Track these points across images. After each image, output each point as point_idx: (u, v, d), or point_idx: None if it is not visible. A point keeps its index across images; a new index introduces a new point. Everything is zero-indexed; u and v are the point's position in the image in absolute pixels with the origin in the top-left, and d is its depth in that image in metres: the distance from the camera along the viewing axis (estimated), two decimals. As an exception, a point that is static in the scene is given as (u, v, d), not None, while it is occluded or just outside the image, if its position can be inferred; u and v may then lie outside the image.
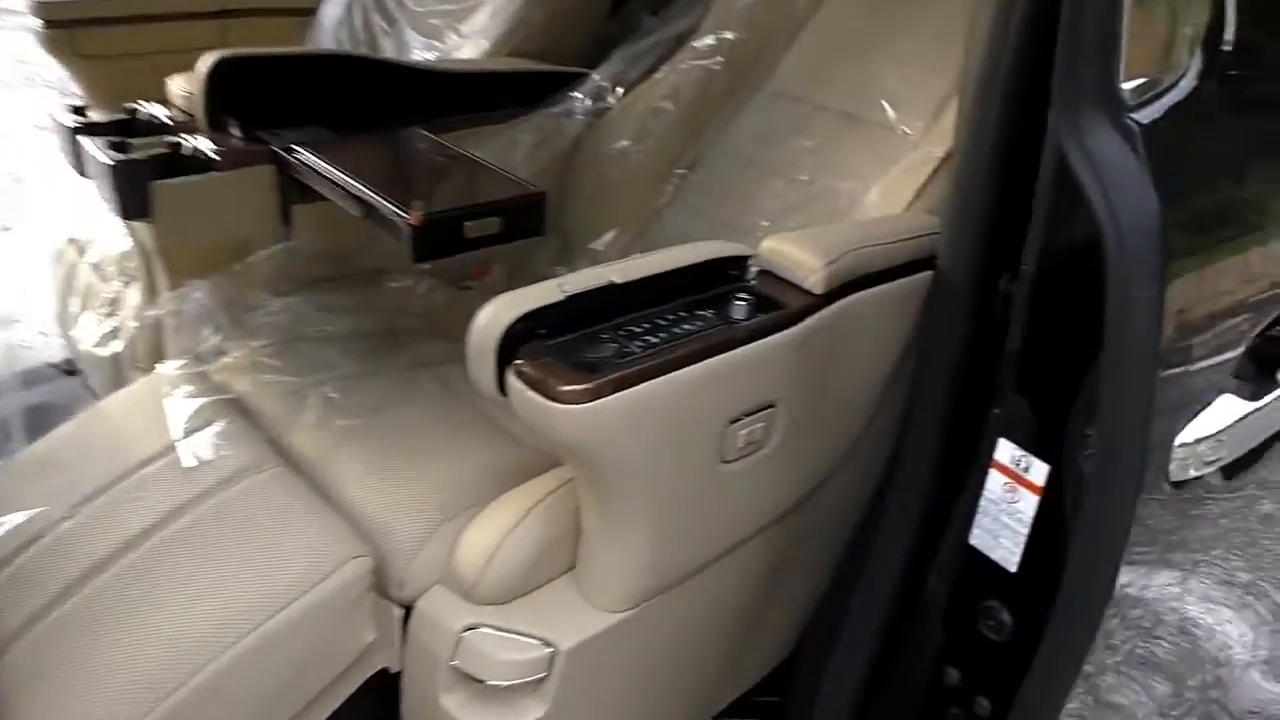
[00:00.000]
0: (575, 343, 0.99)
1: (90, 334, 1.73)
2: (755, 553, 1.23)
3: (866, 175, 1.50)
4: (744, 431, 1.09)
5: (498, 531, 1.10)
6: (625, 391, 0.95)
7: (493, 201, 1.27)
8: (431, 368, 1.45)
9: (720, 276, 1.15)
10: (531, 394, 0.94)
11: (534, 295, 1.00)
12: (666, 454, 1.03)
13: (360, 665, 1.13)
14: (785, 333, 1.08)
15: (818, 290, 1.11)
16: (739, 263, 1.16)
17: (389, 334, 1.53)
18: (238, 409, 1.33)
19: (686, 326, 1.04)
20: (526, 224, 1.29)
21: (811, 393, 1.16)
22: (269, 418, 1.33)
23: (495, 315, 0.98)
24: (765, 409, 1.10)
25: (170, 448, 1.24)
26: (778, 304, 1.10)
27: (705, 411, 1.04)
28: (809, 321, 1.10)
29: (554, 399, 0.93)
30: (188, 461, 1.21)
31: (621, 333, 1.01)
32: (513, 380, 0.96)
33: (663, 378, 0.97)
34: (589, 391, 0.93)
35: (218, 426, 1.27)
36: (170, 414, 1.29)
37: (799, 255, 1.12)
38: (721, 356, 1.02)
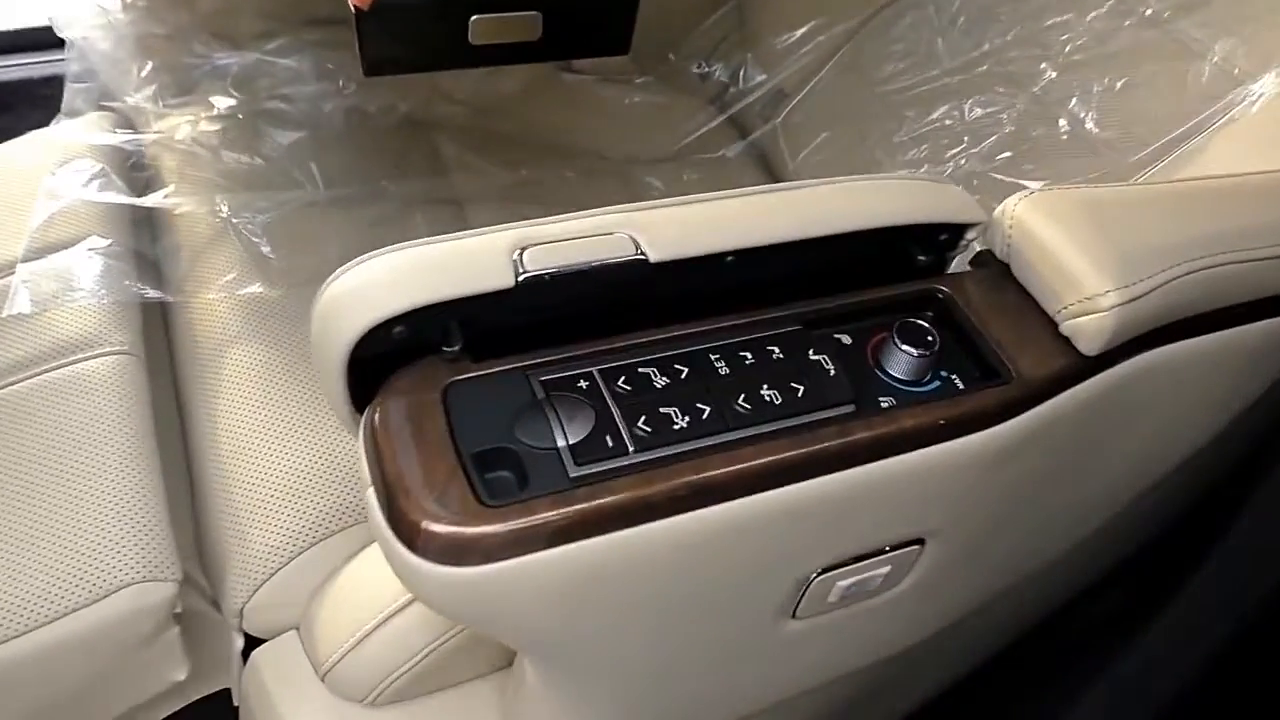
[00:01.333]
0: (505, 388, 0.46)
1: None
2: (836, 691, 0.73)
3: (1261, 43, 0.81)
4: (848, 583, 0.55)
5: (385, 598, 0.64)
6: (574, 545, 0.43)
7: (534, -19, 0.69)
8: (441, 208, 0.94)
9: (898, 255, 0.56)
10: (375, 509, 0.44)
11: (454, 261, 0.46)
12: (659, 625, 0.52)
13: (177, 694, 0.73)
14: (986, 434, 0.50)
15: (1090, 347, 0.52)
16: (945, 234, 0.57)
17: (411, 128, 1.02)
18: (135, 224, 0.88)
19: (768, 391, 0.48)
20: (590, 34, 0.71)
21: (1004, 514, 0.60)
22: (173, 249, 0.87)
23: (351, 300, 0.45)
24: (904, 547, 0.55)
25: (10, 266, 0.81)
26: (989, 361, 0.52)
27: (771, 561, 0.51)
28: (1044, 409, 0.52)
29: (408, 541, 0.42)
30: (16, 304, 0.78)
31: (623, 381, 0.47)
32: (362, 448, 0.46)
33: (670, 521, 0.44)
34: (486, 543, 0.42)
35: (88, 250, 0.82)
36: (40, 206, 0.85)
37: (1071, 256, 0.52)
38: (831, 478, 0.47)
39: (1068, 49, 0.94)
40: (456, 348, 0.46)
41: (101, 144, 0.90)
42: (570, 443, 0.44)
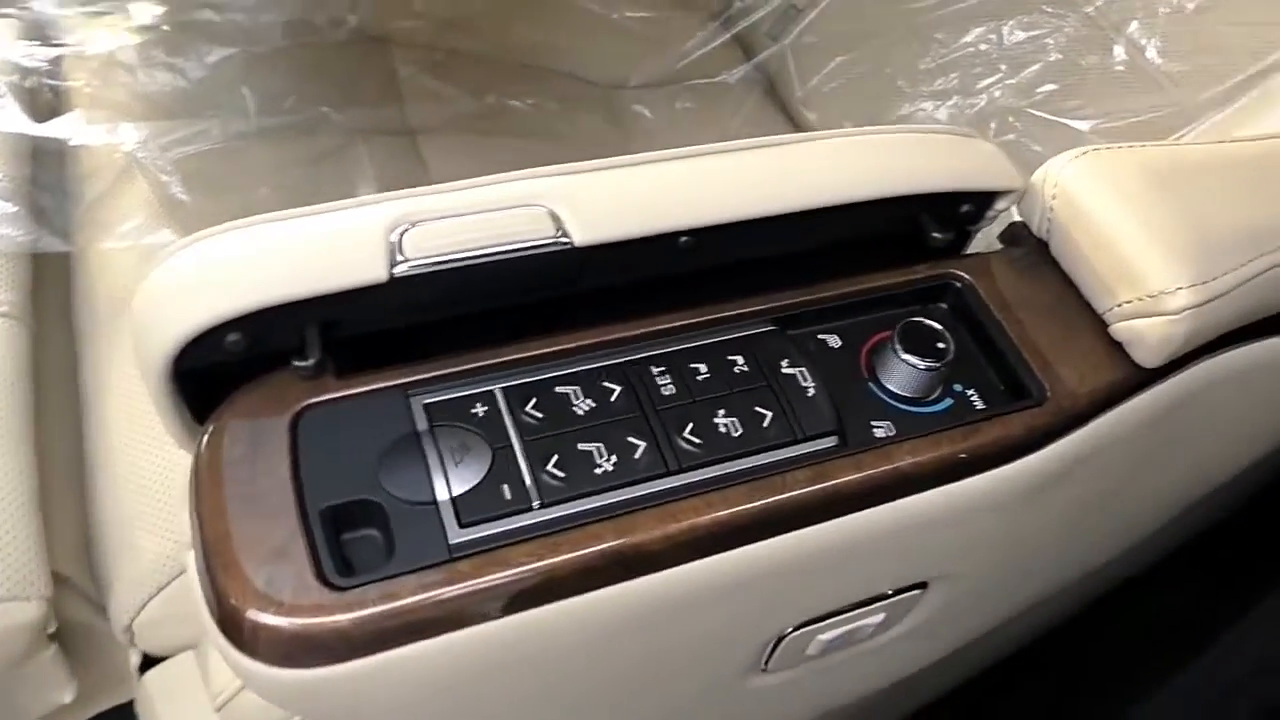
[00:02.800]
0: (376, 414, 0.35)
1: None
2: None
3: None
4: (830, 635, 0.45)
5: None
6: (452, 636, 0.32)
7: None
8: (392, 141, 0.82)
9: (905, 232, 0.44)
10: (195, 581, 0.33)
11: (308, 246, 0.35)
12: (582, 705, 0.41)
13: (73, 711, 0.64)
14: (1010, 469, 0.39)
15: (1149, 357, 0.40)
16: (969, 205, 0.44)
17: (363, 45, 0.89)
18: (37, 158, 0.76)
19: (725, 420, 0.37)
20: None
21: (1029, 548, 0.49)
22: (75, 189, 0.76)
23: (168, 300, 0.34)
24: (902, 594, 0.45)
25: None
26: (1017, 373, 0.40)
27: (724, 628, 0.40)
28: (1084, 433, 0.40)
29: (231, 631, 0.32)
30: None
31: (533, 406, 0.36)
32: (190, 497, 0.35)
33: (583, 599, 0.33)
34: (329, 639, 0.31)
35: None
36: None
37: (1134, 239, 0.40)
38: (804, 534, 0.36)
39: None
40: (312, 360, 0.35)
41: (1, 58, 0.78)
42: (454, 494, 0.33)
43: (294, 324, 0.35)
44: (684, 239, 0.38)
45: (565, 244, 0.36)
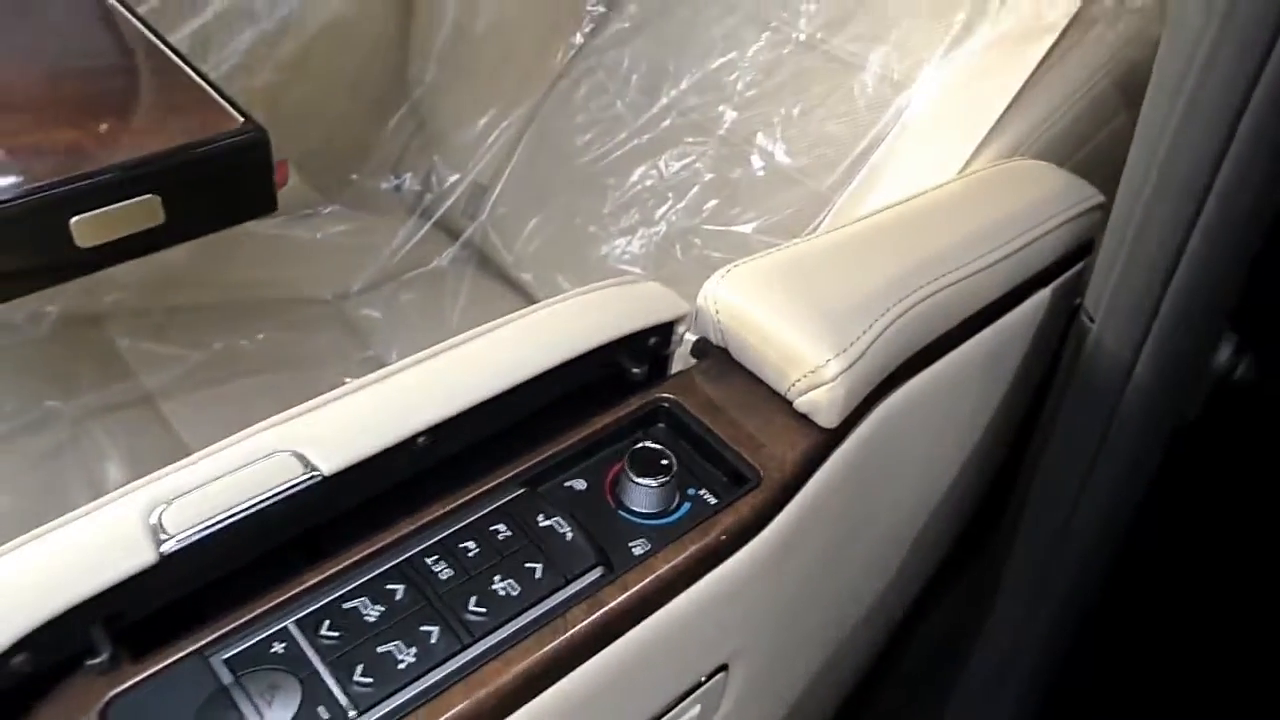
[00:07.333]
0: (182, 683, 0.37)
1: None
2: None
3: (909, 47, 0.83)
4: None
5: None
6: None
7: (144, 161, 0.60)
8: (129, 414, 0.82)
9: (613, 374, 0.51)
10: None
11: (68, 554, 0.37)
12: None
13: None
14: (754, 544, 0.46)
15: (829, 420, 0.49)
16: (655, 337, 0.52)
17: (73, 330, 0.89)
18: None
19: (502, 584, 0.41)
20: (226, 203, 0.63)
21: (805, 595, 0.56)
22: None
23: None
24: (703, 683, 0.50)
25: None
26: (733, 464, 0.47)
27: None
28: (805, 493, 0.48)
29: None
30: None
31: (328, 628, 0.39)
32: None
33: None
34: None
35: None
36: None
37: (784, 331, 0.49)
38: (594, 661, 0.41)
39: (739, 86, 0.94)
40: (105, 655, 0.37)
41: None
42: (274, 746, 0.36)
43: (77, 628, 0.36)
44: (420, 439, 0.44)
45: (316, 477, 0.40)
